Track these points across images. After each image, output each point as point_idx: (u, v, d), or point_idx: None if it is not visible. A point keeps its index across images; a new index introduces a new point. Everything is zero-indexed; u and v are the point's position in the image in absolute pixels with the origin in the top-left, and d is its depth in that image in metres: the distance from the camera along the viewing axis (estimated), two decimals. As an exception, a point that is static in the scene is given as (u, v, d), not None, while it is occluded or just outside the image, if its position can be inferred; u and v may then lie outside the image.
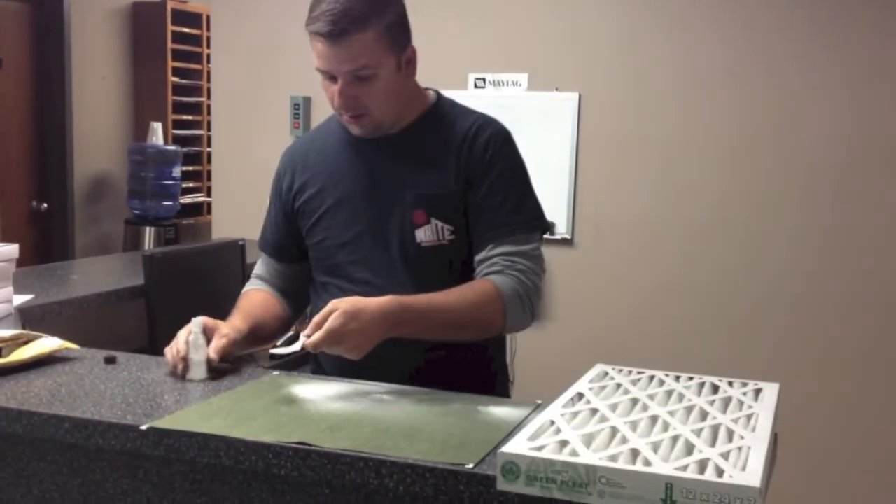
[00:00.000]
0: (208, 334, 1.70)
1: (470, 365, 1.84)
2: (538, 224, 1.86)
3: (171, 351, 1.69)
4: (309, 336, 1.58)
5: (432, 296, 1.71)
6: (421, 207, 1.79)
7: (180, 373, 1.66)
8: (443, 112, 1.88)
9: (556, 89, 3.54)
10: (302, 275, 1.99)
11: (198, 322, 1.69)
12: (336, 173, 1.87)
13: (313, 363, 1.99)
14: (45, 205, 5.63)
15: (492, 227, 1.79)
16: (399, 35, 1.77)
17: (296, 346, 1.62)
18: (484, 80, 3.53)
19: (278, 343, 1.71)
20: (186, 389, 1.60)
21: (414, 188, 1.80)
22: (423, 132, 1.84)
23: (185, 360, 1.66)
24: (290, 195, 1.93)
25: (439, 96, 1.91)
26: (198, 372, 1.65)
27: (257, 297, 1.94)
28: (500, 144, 1.85)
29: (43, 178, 5.66)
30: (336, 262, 1.87)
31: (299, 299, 1.99)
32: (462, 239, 1.81)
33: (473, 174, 1.80)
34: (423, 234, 1.79)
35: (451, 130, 1.84)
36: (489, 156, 1.81)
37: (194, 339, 1.66)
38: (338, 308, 1.59)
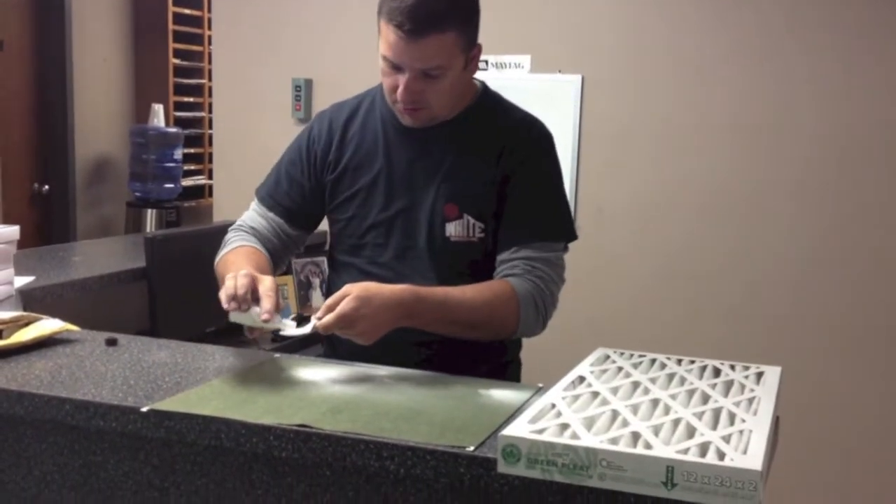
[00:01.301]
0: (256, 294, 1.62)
1: (485, 353, 1.83)
2: (565, 234, 1.84)
3: (246, 288, 1.59)
4: (320, 318, 1.58)
5: (449, 290, 1.70)
6: (454, 201, 1.78)
7: (232, 307, 1.59)
8: (488, 105, 1.86)
9: (559, 71, 3.52)
10: (300, 241, 1.96)
11: (291, 325, 1.66)
12: (374, 152, 1.84)
13: (326, 346, 1.98)
14: (47, 187, 5.62)
15: (518, 230, 1.78)
16: (472, 35, 1.75)
17: (307, 329, 1.62)
18: (486, 62, 3.51)
19: (292, 326, 1.70)
20: (187, 371, 1.59)
21: (450, 180, 1.78)
22: (467, 124, 1.82)
23: (247, 306, 1.59)
24: (322, 165, 1.88)
25: (485, 87, 1.88)
26: (245, 322, 1.62)
27: (261, 261, 1.82)
28: (541, 148, 1.84)
29: (44, 160, 5.65)
30: (362, 242, 1.84)
31: (281, 263, 1.95)
32: (491, 238, 1.80)
33: (510, 173, 1.78)
34: (454, 229, 1.78)
35: (494, 126, 1.82)
36: (528, 158, 1.80)
37: (277, 327, 1.62)
38: (351, 292, 1.59)
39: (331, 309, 1.58)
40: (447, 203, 1.78)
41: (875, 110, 3.19)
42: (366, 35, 3.72)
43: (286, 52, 3.96)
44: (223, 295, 1.61)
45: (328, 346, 1.96)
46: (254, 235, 1.90)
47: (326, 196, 1.89)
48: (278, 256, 1.92)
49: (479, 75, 1.89)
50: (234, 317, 1.61)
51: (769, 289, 3.34)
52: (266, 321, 1.58)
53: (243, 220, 1.95)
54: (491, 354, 1.85)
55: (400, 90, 1.71)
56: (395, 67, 1.71)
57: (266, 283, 1.62)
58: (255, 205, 1.95)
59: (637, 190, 3.48)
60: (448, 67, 1.71)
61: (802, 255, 3.30)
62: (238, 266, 1.72)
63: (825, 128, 3.24)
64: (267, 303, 1.59)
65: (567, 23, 3.51)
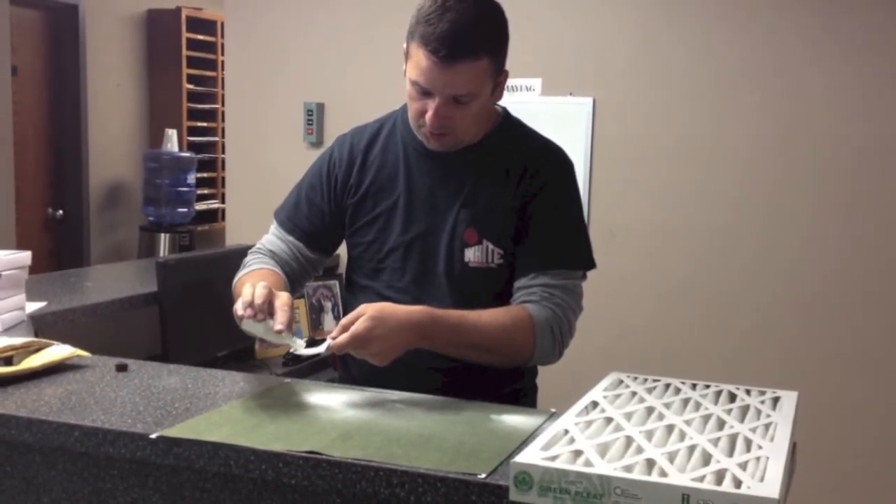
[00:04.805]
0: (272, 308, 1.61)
1: (501, 379, 1.81)
2: (584, 262, 1.83)
3: (264, 299, 1.58)
4: (335, 338, 1.57)
5: (465, 313, 1.69)
6: (474, 226, 1.77)
7: (248, 314, 1.58)
8: (510, 131, 1.85)
9: (571, 94, 3.52)
10: (319, 265, 1.95)
11: (301, 345, 1.65)
12: (395, 176, 1.83)
13: (341, 369, 1.96)
14: (61, 211, 5.65)
15: (537, 257, 1.76)
16: (502, 61, 1.74)
17: (321, 348, 1.61)
18: (498, 85, 3.52)
19: (302, 346, 1.69)
20: (197, 397, 1.58)
21: (470, 205, 1.77)
22: (489, 149, 1.81)
23: (262, 317, 1.58)
24: (343, 189, 1.86)
25: (506, 113, 1.87)
26: (258, 333, 1.61)
27: (278, 283, 1.78)
28: (561, 175, 1.83)
29: (58, 184, 5.69)
30: (382, 266, 1.83)
31: (299, 286, 1.94)
32: (509, 265, 1.78)
33: (530, 200, 1.77)
34: (472, 255, 1.77)
35: (515, 152, 1.81)
36: (549, 185, 1.79)
37: (288, 342, 1.62)
38: (366, 312, 1.58)
39: (345, 328, 1.57)
40: (467, 228, 1.77)
41: (892, 128, 3.17)
42: (377, 59, 3.76)
43: (298, 77, 3.98)
44: (240, 302, 1.60)
45: (343, 369, 1.94)
46: (272, 258, 1.89)
47: (347, 220, 1.87)
48: (296, 280, 1.91)
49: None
50: (248, 325, 1.60)
51: (784, 311, 3.31)
52: (279, 332, 1.58)
53: (262, 243, 1.94)
54: (507, 380, 1.84)
55: (429, 115, 1.70)
56: (425, 93, 1.69)
57: (282, 298, 1.62)
58: (274, 228, 1.94)
59: (649, 213, 3.46)
60: (478, 94, 1.70)
61: (818, 277, 3.27)
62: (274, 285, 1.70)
63: (840, 148, 3.22)
64: (282, 315, 1.58)
65: (578, 46, 3.51)
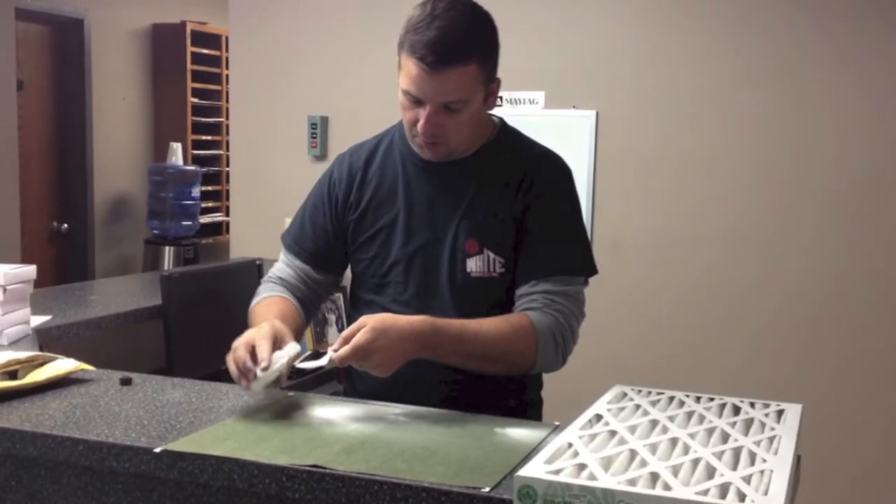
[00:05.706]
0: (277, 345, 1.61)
1: (506, 391, 1.82)
2: (586, 268, 1.83)
3: (243, 358, 1.58)
4: (337, 350, 1.57)
5: (466, 322, 1.69)
6: (474, 237, 1.77)
7: (244, 385, 1.58)
8: (507, 140, 1.86)
9: (574, 107, 3.53)
10: (329, 286, 1.96)
11: (294, 348, 1.63)
12: (394, 191, 1.84)
13: (346, 384, 1.96)
14: (66, 225, 5.67)
15: (538, 264, 1.77)
16: (492, 68, 1.75)
17: (323, 361, 1.61)
18: (500, 97, 3.53)
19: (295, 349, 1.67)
20: (201, 411, 1.59)
21: (470, 216, 1.78)
22: (486, 159, 1.81)
23: (254, 374, 1.57)
24: (344, 207, 1.88)
25: (503, 123, 1.88)
26: (264, 383, 1.59)
27: (287, 308, 1.82)
28: (560, 182, 1.84)
29: (63, 198, 5.71)
30: (385, 280, 1.84)
31: (313, 309, 1.94)
32: (511, 274, 1.79)
33: (529, 207, 1.78)
34: (474, 264, 1.77)
35: (513, 160, 1.82)
36: (547, 191, 1.80)
37: (285, 360, 1.59)
38: (367, 324, 1.58)
39: (347, 340, 1.57)
40: (468, 239, 1.78)
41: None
42: (380, 72, 3.77)
43: (302, 90, 4.00)
44: (235, 379, 1.60)
45: (348, 384, 1.95)
46: (281, 285, 1.90)
47: (349, 237, 1.88)
48: (309, 303, 1.92)
49: (494, 111, 1.89)
50: (255, 386, 1.58)
51: (789, 323, 3.30)
52: (265, 369, 1.55)
53: (273, 271, 1.96)
54: (512, 393, 1.84)
55: (421, 123, 1.71)
56: (416, 101, 1.71)
57: (257, 335, 1.61)
58: (282, 254, 1.96)
59: (653, 224, 3.47)
60: (469, 101, 1.71)
61: (823, 287, 3.26)
62: (262, 318, 1.73)
63: (845, 157, 3.22)
64: (261, 352, 1.57)
65: (581, 59, 3.52)
